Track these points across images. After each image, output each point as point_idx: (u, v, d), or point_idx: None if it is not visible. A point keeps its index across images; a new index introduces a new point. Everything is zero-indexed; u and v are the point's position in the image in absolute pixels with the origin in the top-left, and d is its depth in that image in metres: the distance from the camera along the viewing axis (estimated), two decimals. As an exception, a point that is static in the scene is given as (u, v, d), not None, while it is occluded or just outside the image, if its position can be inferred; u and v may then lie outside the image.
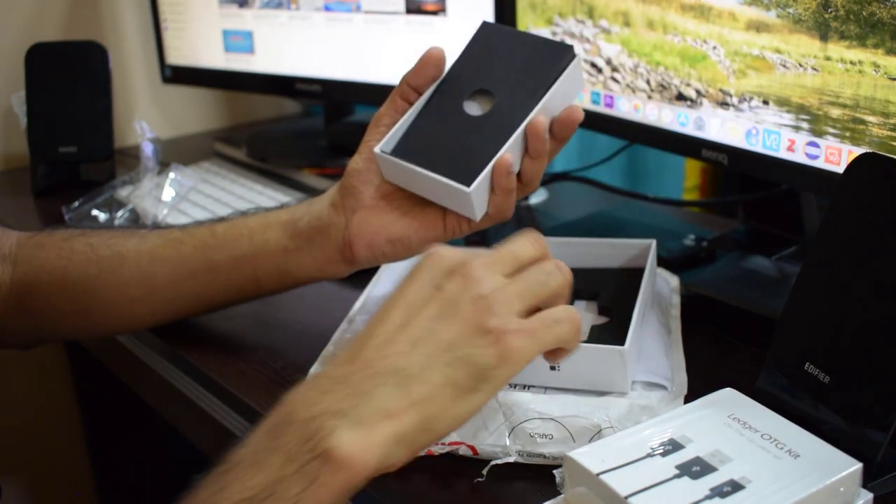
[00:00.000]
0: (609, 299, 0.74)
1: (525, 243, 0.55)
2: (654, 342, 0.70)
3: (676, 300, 0.79)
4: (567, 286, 0.54)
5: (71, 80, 1.19)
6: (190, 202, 1.12)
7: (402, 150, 0.67)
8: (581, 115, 0.65)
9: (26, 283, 0.73)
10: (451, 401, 0.49)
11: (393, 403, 0.47)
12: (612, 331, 0.69)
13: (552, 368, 0.64)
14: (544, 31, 0.95)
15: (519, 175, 0.66)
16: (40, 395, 1.37)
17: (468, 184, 0.63)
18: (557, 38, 0.94)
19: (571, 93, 0.66)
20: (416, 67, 0.68)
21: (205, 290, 0.74)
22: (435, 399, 0.48)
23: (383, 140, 0.67)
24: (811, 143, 0.73)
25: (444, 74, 0.69)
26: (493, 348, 0.49)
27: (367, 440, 0.46)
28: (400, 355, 0.49)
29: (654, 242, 0.76)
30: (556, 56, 0.65)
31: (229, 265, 0.72)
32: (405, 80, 0.69)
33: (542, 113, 0.64)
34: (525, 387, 0.66)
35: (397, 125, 0.68)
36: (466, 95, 0.67)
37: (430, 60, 0.68)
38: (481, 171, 0.63)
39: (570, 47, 0.65)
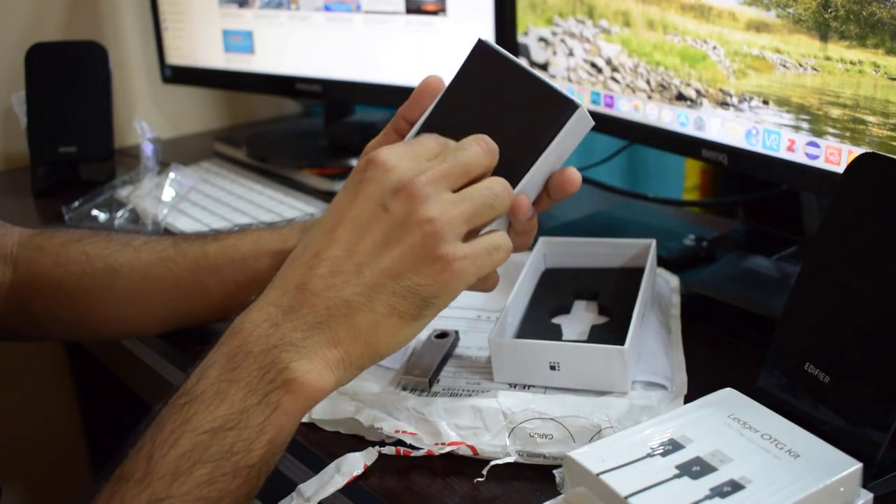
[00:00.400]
0: (609, 299, 0.74)
1: (479, 153, 0.55)
2: (654, 342, 0.70)
3: (676, 300, 0.79)
4: (508, 207, 0.56)
5: (71, 80, 1.19)
6: (190, 202, 1.12)
7: None
8: (578, 182, 0.61)
9: (26, 286, 0.74)
10: (396, 328, 0.52)
11: (341, 334, 0.51)
12: (612, 330, 0.69)
13: (552, 368, 0.64)
14: (544, 31, 0.95)
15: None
16: (40, 395, 1.37)
17: None
18: (557, 37, 0.94)
19: (573, 144, 0.61)
20: (413, 100, 0.63)
21: (197, 310, 0.74)
22: (380, 327, 0.51)
23: None
24: (811, 143, 0.73)
25: (436, 103, 0.62)
26: (438, 278, 0.52)
27: (321, 368, 0.50)
28: (346, 284, 0.51)
29: (653, 242, 0.76)
30: (560, 110, 0.58)
31: (222, 291, 0.72)
32: (401, 113, 0.63)
33: (537, 171, 0.59)
34: (525, 387, 0.66)
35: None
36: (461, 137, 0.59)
37: (428, 91, 0.62)
38: None
39: (573, 103, 0.58)
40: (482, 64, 0.62)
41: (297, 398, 0.49)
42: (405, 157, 0.54)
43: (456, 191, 0.54)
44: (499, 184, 0.55)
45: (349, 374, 0.52)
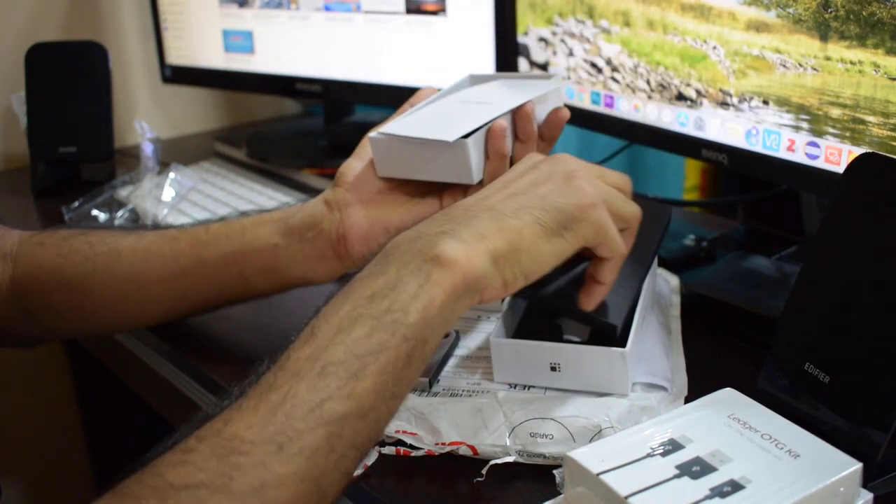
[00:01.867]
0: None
1: (615, 175, 0.62)
2: (654, 343, 0.70)
3: (676, 300, 0.79)
4: (636, 224, 0.62)
5: (71, 80, 1.19)
6: (190, 202, 1.12)
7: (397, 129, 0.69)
8: (567, 114, 0.70)
9: (25, 282, 0.74)
10: (538, 237, 0.56)
11: (487, 229, 0.55)
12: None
13: (553, 370, 0.64)
14: (544, 31, 0.95)
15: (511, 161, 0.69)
16: (40, 395, 1.37)
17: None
18: (557, 37, 0.94)
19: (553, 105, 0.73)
20: (409, 103, 0.74)
21: (193, 288, 0.74)
22: (523, 232, 0.55)
23: (377, 129, 0.68)
24: (811, 143, 0.73)
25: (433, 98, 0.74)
26: (578, 201, 0.57)
27: (468, 250, 0.53)
28: (497, 201, 0.57)
29: None
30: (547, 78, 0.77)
31: (217, 262, 0.72)
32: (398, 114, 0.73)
33: (530, 105, 0.69)
34: (525, 387, 0.66)
35: (392, 118, 0.70)
36: (462, 98, 0.74)
37: (424, 97, 0.74)
38: (474, 130, 0.66)
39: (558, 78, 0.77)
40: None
41: (446, 271, 0.52)
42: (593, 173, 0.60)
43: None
44: (636, 216, 0.62)
45: (494, 275, 0.54)
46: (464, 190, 0.68)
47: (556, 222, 0.56)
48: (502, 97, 0.71)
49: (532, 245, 0.55)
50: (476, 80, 0.78)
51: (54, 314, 0.75)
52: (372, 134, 0.67)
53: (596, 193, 0.57)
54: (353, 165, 0.71)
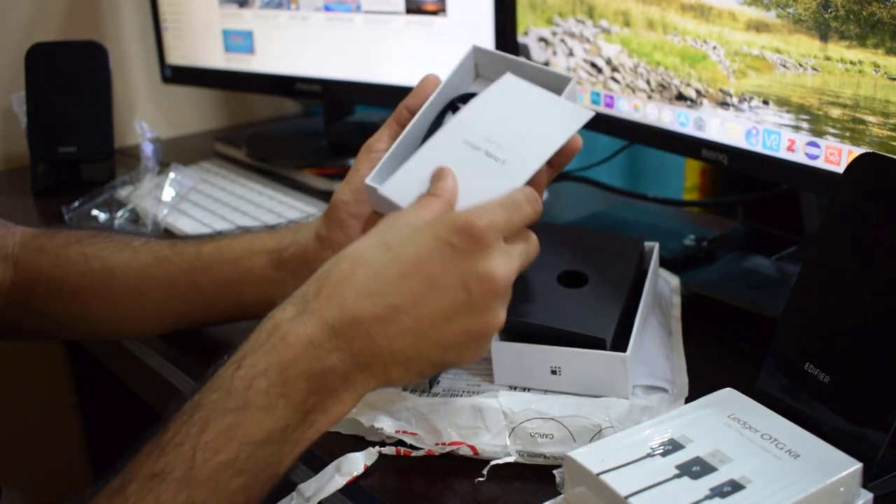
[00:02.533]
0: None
1: (535, 243, 0.58)
2: (654, 345, 0.70)
3: (677, 301, 0.79)
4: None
5: (71, 80, 1.19)
6: (190, 202, 1.12)
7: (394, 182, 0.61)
8: (580, 143, 0.64)
9: (26, 286, 0.74)
10: (413, 379, 0.55)
11: (376, 374, 0.53)
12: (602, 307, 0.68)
13: (553, 373, 0.64)
14: (544, 31, 0.95)
15: None
16: (40, 395, 1.37)
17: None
18: (557, 37, 0.94)
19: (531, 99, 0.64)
20: (414, 93, 0.67)
21: (191, 311, 0.74)
22: (404, 379, 0.54)
23: (373, 171, 0.62)
24: (811, 143, 0.73)
25: (436, 94, 0.66)
26: (474, 357, 0.55)
27: (355, 397, 0.53)
28: (398, 340, 0.52)
29: (657, 245, 0.76)
30: (570, 118, 0.62)
31: (214, 290, 0.72)
32: (403, 105, 0.67)
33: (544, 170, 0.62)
34: (526, 388, 0.66)
35: (388, 154, 0.63)
36: (468, 136, 0.61)
37: (428, 86, 0.66)
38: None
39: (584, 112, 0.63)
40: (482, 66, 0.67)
41: (330, 420, 0.52)
42: (498, 242, 0.53)
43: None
44: (535, 243, 0.58)
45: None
46: None
47: (437, 370, 0.58)
48: (515, 140, 0.60)
49: (403, 382, 0.57)
50: (480, 56, 0.68)
51: (55, 320, 0.76)
52: (367, 181, 0.61)
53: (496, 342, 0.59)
54: (346, 197, 0.67)
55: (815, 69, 0.71)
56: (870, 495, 0.52)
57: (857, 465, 0.51)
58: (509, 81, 0.64)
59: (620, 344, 0.64)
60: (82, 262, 0.74)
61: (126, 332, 0.81)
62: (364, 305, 0.51)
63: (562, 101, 0.63)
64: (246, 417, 0.49)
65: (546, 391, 0.65)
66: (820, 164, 0.73)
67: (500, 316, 0.54)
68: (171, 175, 1.12)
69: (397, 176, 0.60)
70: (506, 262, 0.53)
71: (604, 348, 0.63)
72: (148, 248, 0.75)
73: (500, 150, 0.60)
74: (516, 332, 0.65)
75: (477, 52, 0.68)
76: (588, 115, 0.62)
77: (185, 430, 0.49)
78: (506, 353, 0.65)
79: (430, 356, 0.53)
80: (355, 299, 0.51)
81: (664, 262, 0.85)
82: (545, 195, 1.14)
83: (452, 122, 0.62)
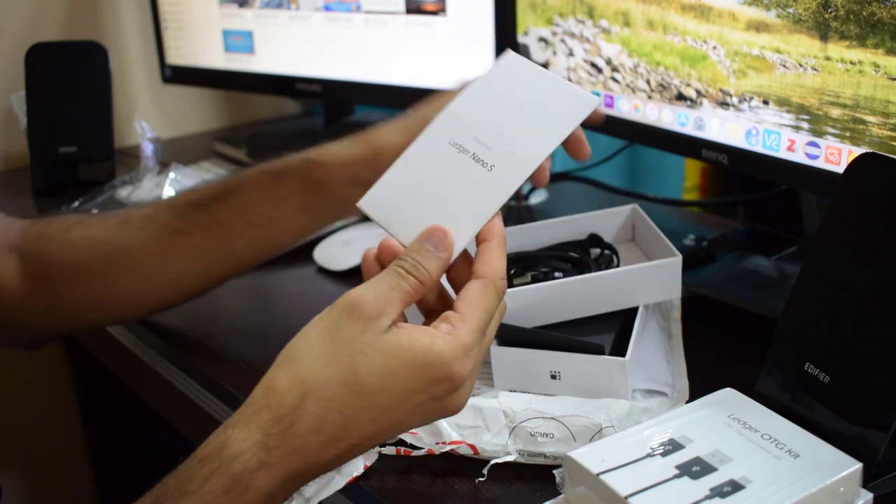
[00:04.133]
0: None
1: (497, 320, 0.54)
2: (654, 349, 0.70)
3: (677, 303, 0.79)
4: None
5: (71, 80, 1.19)
6: (190, 202, 1.11)
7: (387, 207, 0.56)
8: (602, 118, 0.63)
9: (36, 277, 0.73)
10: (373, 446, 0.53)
11: (313, 473, 0.50)
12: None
13: (553, 377, 0.64)
14: (544, 31, 0.95)
15: None
16: (40, 394, 1.37)
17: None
18: (557, 37, 0.94)
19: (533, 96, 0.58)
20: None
21: (227, 270, 0.75)
22: (361, 452, 0.51)
23: (369, 192, 0.57)
24: (811, 143, 0.73)
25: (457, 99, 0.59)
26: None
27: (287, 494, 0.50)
28: (348, 451, 0.50)
29: None
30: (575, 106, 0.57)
31: (253, 248, 0.74)
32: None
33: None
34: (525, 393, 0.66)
35: (387, 174, 0.57)
36: (456, 135, 0.57)
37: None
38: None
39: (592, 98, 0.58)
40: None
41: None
42: (473, 373, 0.52)
43: None
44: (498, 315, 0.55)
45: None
46: None
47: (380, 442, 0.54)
48: (508, 137, 0.56)
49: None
50: (513, 65, 0.59)
51: (73, 308, 0.75)
52: (359, 204, 0.57)
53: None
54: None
55: (815, 69, 0.71)
56: (870, 495, 0.52)
57: (857, 465, 0.51)
58: (510, 62, 0.59)
59: (620, 348, 0.64)
60: (89, 244, 0.73)
61: (149, 307, 0.78)
62: (328, 452, 0.49)
63: (564, 84, 0.58)
64: None
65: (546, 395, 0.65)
66: (820, 164, 0.73)
67: (462, 400, 0.52)
68: (171, 175, 1.12)
69: (374, 190, 0.56)
70: (471, 385, 0.52)
71: (603, 353, 0.63)
72: (153, 220, 0.74)
73: (490, 152, 0.55)
74: (516, 339, 0.65)
75: (512, 59, 0.60)
76: (595, 102, 0.57)
77: None
78: (506, 359, 0.65)
79: (388, 433, 0.51)
80: (319, 448, 0.49)
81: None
82: (545, 195, 1.14)
83: (441, 118, 0.58)
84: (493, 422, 0.61)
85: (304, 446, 0.48)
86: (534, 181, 0.60)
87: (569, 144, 0.63)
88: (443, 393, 0.50)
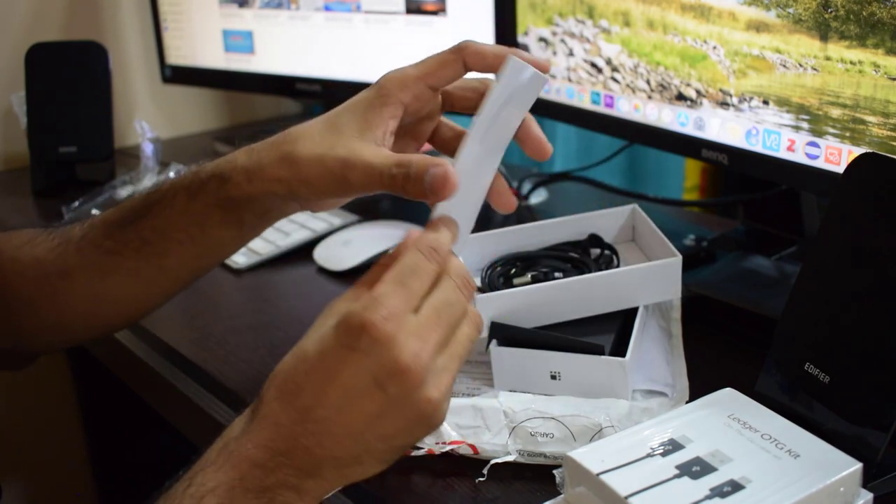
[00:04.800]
0: None
1: (461, 302, 0.53)
2: (654, 349, 0.69)
3: (677, 303, 0.79)
4: (469, 301, 0.54)
5: (71, 80, 1.19)
6: (190, 202, 1.11)
7: None
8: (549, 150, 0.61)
9: (2, 293, 0.71)
10: (378, 468, 0.53)
11: (330, 478, 0.51)
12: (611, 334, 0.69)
13: (553, 378, 0.64)
14: (544, 31, 0.95)
15: None
16: (40, 394, 1.37)
17: None
18: (557, 37, 0.94)
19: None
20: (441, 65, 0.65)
21: (164, 287, 0.71)
22: (367, 472, 0.52)
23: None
24: (811, 143, 0.73)
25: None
26: (428, 432, 0.52)
27: (315, 500, 0.52)
28: (339, 447, 0.50)
29: None
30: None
31: (184, 265, 0.69)
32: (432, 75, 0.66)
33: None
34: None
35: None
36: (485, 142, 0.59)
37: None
38: None
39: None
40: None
41: None
42: (401, 326, 0.50)
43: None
44: (477, 330, 0.55)
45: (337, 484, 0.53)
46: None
47: (399, 453, 0.53)
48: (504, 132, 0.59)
49: (369, 474, 0.53)
50: (515, 68, 0.58)
51: (29, 329, 0.73)
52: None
53: (444, 411, 0.52)
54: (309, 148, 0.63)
55: (815, 69, 0.71)
56: (870, 495, 0.52)
57: (857, 465, 0.51)
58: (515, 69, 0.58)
59: (620, 348, 0.64)
60: (36, 266, 0.71)
61: (104, 329, 0.77)
62: (296, 423, 0.50)
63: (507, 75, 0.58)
64: None
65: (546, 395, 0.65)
66: (820, 164, 0.73)
67: (433, 394, 0.50)
68: (172, 175, 1.12)
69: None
70: (418, 344, 0.50)
71: (603, 353, 0.63)
72: (89, 241, 0.70)
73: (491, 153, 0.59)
74: (516, 339, 0.65)
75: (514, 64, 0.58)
76: (543, 79, 0.58)
77: None
78: (506, 359, 0.65)
79: (378, 448, 0.51)
80: (288, 417, 0.51)
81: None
82: (545, 195, 1.14)
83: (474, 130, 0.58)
84: (493, 421, 0.61)
85: (272, 415, 0.51)
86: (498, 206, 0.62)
87: (527, 143, 0.61)
88: (366, 347, 0.49)
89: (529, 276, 0.70)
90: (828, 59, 0.70)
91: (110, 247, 0.70)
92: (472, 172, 0.58)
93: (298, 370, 0.51)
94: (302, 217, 1.02)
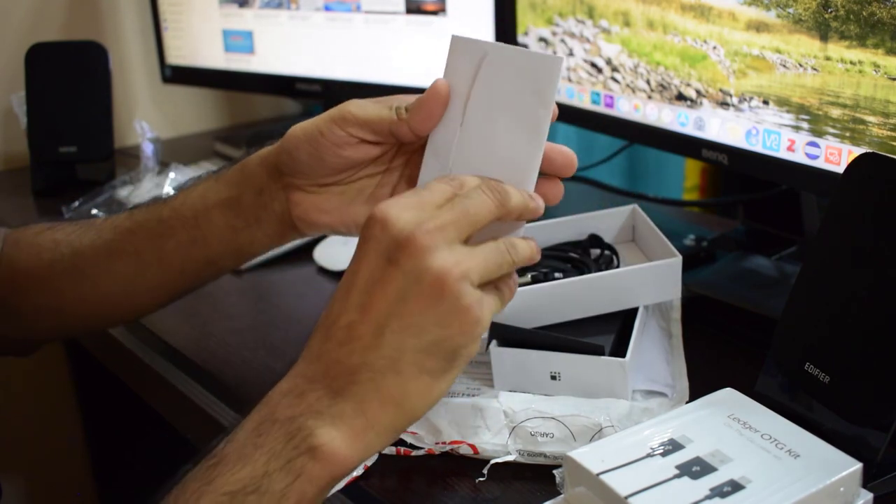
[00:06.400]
0: None
1: (484, 201, 0.52)
2: (654, 349, 0.69)
3: (677, 303, 0.79)
4: (516, 257, 0.53)
5: (71, 80, 1.19)
6: (190, 202, 1.11)
7: None
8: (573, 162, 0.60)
9: (7, 282, 0.72)
10: (427, 387, 0.49)
11: (368, 400, 0.48)
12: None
13: (553, 378, 0.64)
14: (544, 31, 0.95)
15: None
16: (40, 395, 1.37)
17: None
18: (557, 37, 0.94)
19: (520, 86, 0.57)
20: (422, 108, 0.58)
21: (164, 282, 0.71)
22: (409, 389, 0.49)
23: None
24: (811, 143, 0.73)
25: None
26: (464, 328, 0.49)
27: (347, 436, 0.48)
28: (367, 349, 0.49)
29: None
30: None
31: (181, 254, 0.69)
32: (411, 126, 0.60)
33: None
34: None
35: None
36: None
37: (438, 100, 0.58)
38: None
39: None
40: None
41: (321, 466, 0.47)
42: (407, 208, 0.50)
43: (468, 241, 0.51)
44: (520, 241, 0.54)
45: (382, 439, 0.50)
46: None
47: (443, 361, 0.49)
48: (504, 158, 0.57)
49: (420, 398, 0.49)
50: (458, 47, 0.57)
51: (35, 314, 0.74)
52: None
53: (473, 299, 0.49)
54: (296, 144, 0.63)
55: (815, 69, 0.71)
56: (870, 495, 0.52)
57: (857, 465, 0.51)
58: (460, 48, 0.57)
59: (620, 348, 0.64)
60: (53, 248, 0.72)
61: (100, 321, 0.77)
62: (324, 340, 0.50)
63: (524, 52, 0.56)
64: (220, 470, 0.47)
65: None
66: (820, 164, 0.73)
67: (448, 264, 0.48)
68: (171, 175, 1.12)
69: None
70: (419, 214, 0.50)
71: (603, 355, 0.63)
72: (111, 223, 0.72)
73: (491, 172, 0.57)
74: (516, 340, 0.65)
75: (456, 41, 0.58)
76: (561, 59, 0.56)
77: (171, 493, 0.48)
78: (505, 359, 0.65)
79: (412, 346, 0.48)
80: (315, 337, 0.51)
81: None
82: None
83: (427, 155, 0.58)
84: (493, 421, 0.61)
85: (306, 349, 0.51)
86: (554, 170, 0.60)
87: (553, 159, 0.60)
88: (372, 232, 0.49)
89: (529, 276, 0.70)
90: (828, 59, 0.70)
91: (128, 225, 0.70)
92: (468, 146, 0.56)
93: (333, 298, 0.51)
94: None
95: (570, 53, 0.93)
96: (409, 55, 1.12)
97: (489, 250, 0.52)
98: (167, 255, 0.69)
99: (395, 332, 0.48)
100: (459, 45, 0.57)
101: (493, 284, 0.53)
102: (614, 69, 0.89)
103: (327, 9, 1.16)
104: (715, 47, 0.79)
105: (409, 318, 0.48)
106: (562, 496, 0.55)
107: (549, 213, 1.09)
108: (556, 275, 0.70)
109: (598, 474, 0.51)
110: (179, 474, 0.49)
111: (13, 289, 0.73)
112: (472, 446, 0.61)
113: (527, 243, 0.55)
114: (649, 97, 0.87)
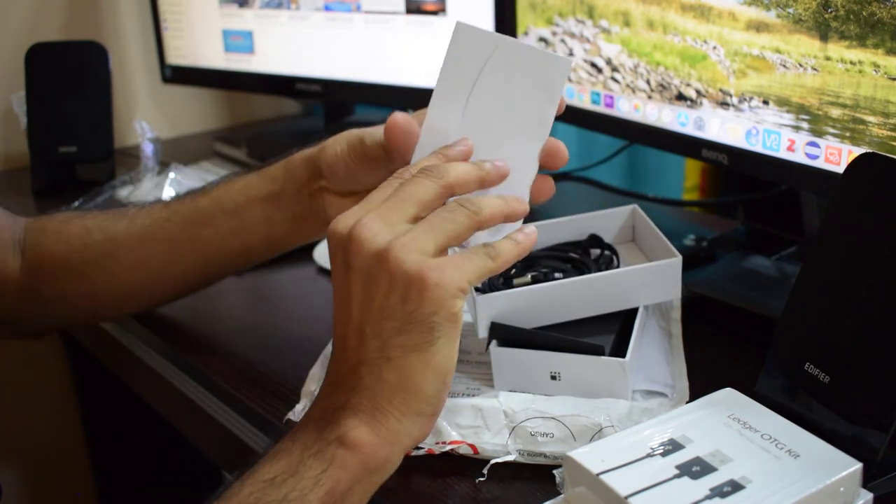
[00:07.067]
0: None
1: (425, 184, 0.54)
2: (654, 349, 0.69)
3: (677, 303, 0.79)
4: (477, 216, 0.54)
5: (71, 80, 1.19)
6: (190, 202, 1.11)
7: None
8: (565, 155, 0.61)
9: (34, 269, 0.74)
10: (421, 363, 0.51)
11: (376, 391, 0.52)
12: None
13: (553, 378, 0.64)
14: (544, 31, 0.95)
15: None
16: (40, 394, 1.37)
17: None
18: (557, 37, 0.94)
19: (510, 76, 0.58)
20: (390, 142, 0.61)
21: (197, 268, 0.75)
22: (405, 370, 0.51)
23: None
24: (811, 143, 0.73)
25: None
26: (423, 295, 0.50)
27: (371, 425, 0.51)
28: (357, 350, 0.52)
29: None
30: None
31: (217, 241, 0.72)
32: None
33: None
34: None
35: None
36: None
37: (400, 132, 0.60)
38: None
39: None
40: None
41: (351, 453, 0.51)
42: (351, 213, 0.53)
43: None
44: (485, 199, 0.55)
45: (406, 425, 0.52)
46: None
47: (422, 335, 0.51)
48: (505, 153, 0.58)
49: (421, 375, 0.51)
50: (464, 36, 0.60)
51: (64, 300, 0.75)
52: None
53: (425, 265, 0.50)
54: (336, 151, 0.67)
55: (815, 69, 0.71)
56: (870, 495, 0.52)
57: (857, 465, 0.51)
58: (464, 35, 0.60)
59: (620, 348, 0.64)
60: (84, 234, 0.73)
61: (134, 304, 0.79)
62: (334, 364, 0.54)
63: (533, 50, 0.58)
64: (261, 464, 0.51)
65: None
66: (820, 164, 0.73)
67: (382, 244, 0.51)
68: (171, 175, 1.12)
69: None
70: (358, 212, 0.53)
71: (603, 355, 0.63)
72: (146, 212, 0.75)
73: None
74: (516, 340, 0.65)
75: (461, 29, 0.60)
76: (570, 61, 0.58)
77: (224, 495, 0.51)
78: (505, 359, 0.65)
79: (388, 328, 0.51)
80: (331, 367, 0.55)
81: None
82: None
83: (421, 140, 0.59)
84: (493, 421, 0.61)
85: (327, 376, 0.55)
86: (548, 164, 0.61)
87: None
88: (339, 253, 0.52)
89: (529, 276, 0.70)
90: (828, 59, 0.70)
91: (164, 214, 0.73)
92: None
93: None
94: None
95: (570, 53, 0.93)
96: (409, 55, 1.12)
97: (437, 215, 0.53)
98: (203, 243, 0.73)
99: (371, 323, 0.52)
100: (466, 33, 0.58)
101: (466, 252, 0.54)
102: (614, 69, 0.89)
103: (327, 9, 1.16)
104: (715, 47, 0.79)
105: (376, 306, 0.51)
106: (562, 496, 0.55)
107: (549, 213, 1.09)
108: (556, 275, 0.70)
109: (598, 474, 0.51)
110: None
111: (40, 275, 0.74)
112: (472, 446, 0.61)
113: (492, 199, 0.56)
114: (649, 97, 0.87)
